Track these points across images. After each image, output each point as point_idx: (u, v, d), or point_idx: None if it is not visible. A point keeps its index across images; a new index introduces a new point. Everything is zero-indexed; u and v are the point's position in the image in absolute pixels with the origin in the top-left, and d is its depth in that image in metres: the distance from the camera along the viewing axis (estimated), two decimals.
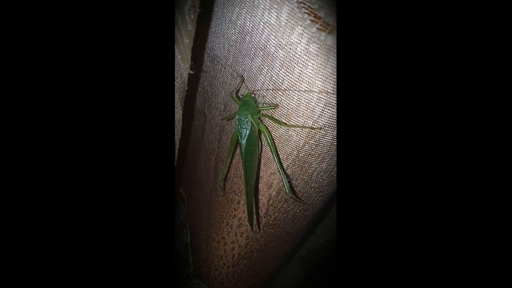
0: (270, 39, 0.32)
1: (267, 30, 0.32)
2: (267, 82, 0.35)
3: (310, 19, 0.28)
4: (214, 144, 0.51)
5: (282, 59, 0.32)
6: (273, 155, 0.37)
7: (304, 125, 0.35)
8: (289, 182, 0.41)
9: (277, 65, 0.33)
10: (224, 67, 0.42)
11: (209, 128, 0.52)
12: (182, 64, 0.32)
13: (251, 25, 0.34)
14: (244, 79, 0.37)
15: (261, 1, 0.32)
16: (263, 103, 0.37)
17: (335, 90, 0.31)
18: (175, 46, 0.29)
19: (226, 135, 0.48)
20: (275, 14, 0.31)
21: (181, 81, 0.34)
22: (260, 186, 0.44)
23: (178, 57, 0.31)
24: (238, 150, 0.43)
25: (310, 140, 0.36)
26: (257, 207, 0.46)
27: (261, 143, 0.40)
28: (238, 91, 0.40)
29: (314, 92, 0.32)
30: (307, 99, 0.33)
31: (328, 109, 0.33)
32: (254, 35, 0.34)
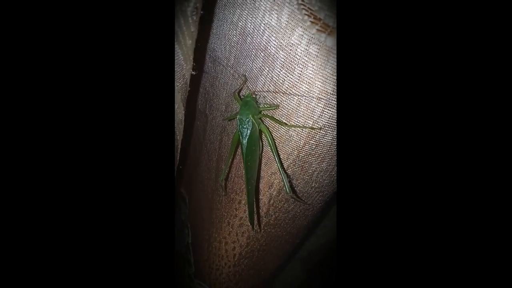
0: (271, 40, 0.33)
1: (267, 31, 0.33)
2: (268, 82, 0.36)
3: (310, 21, 0.29)
4: (216, 144, 0.52)
5: (282, 60, 0.33)
6: (273, 155, 0.38)
7: (305, 125, 0.35)
8: (290, 182, 0.41)
9: (278, 66, 0.34)
10: (226, 68, 0.42)
11: (210, 128, 0.52)
12: (185, 65, 0.32)
13: (252, 26, 0.34)
14: (247, 79, 0.37)
15: (262, 3, 0.32)
16: (264, 103, 0.38)
17: (335, 90, 0.31)
18: (178, 47, 0.30)
19: (227, 136, 0.48)
20: (276, 15, 0.31)
21: (183, 82, 0.34)
22: (261, 185, 0.45)
23: (180, 58, 0.31)
24: (239, 150, 0.44)
25: (311, 140, 0.36)
26: (258, 207, 0.47)
27: (262, 143, 0.41)
28: (240, 91, 0.40)
29: (314, 97, 0.32)
30: (307, 100, 0.33)
31: (328, 110, 0.33)
32: (255, 36, 0.34)
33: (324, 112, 0.33)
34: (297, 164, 0.39)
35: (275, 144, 0.39)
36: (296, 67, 0.32)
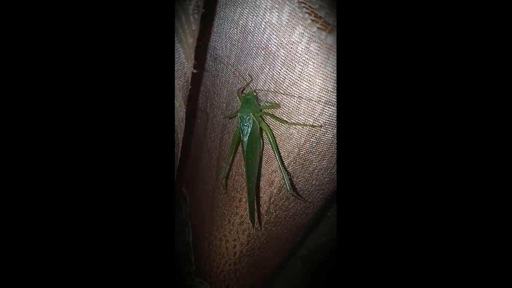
0: (272, 38, 0.33)
1: (268, 29, 0.33)
2: (269, 80, 0.36)
3: (311, 19, 0.29)
4: (216, 142, 0.52)
5: (283, 58, 0.33)
6: (274, 153, 0.38)
7: (305, 123, 0.36)
8: (290, 179, 0.41)
9: (279, 64, 0.34)
10: (226, 66, 0.42)
11: (211, 126, 0.53)
12: (186, 63, 0.33)
13: (253, 24, 0.34)
14: (252, 78, 0.38)
15: (262, 1, 0.32)
16: (265, 101, 0.38)
17: (336, 88, 0.31)
18: (179, 45, 0.30)
19: (228, 134, 0.48)
20: (277, 14, 0.31)
21: (184, 80, 0.34)
22: (262, 183, 0.45)
23: (182, 56, 0.31)
24: (240, 148, 0.44)
25: (311, 138, 0.37)
26: (259, 205, 0.47)
27: (263, 141, 0.41)
28: (244, 89, 0.40)
29: (315, 100, 0.32)
30: (307, 98, 0.33)
31: (329, 108, 0.33)
32: (255, 34, 0.35)
33: (325, 110, 0.34)
34: (298, 162, 0.40)
35: (276, 142, 0.39)
36: (297, 65, 0.32)
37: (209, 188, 0.57)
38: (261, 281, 0.65)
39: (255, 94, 0.38)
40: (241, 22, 0.36)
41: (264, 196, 0.46)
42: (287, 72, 0.33)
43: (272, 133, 0.39)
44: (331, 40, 0.29)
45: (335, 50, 0.29)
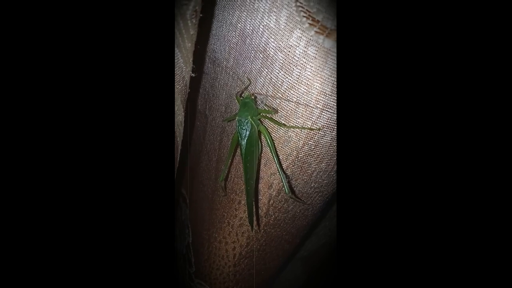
0: (270, 42, 0.33)
1: (266, 33, 0.33)
2: (267, 84, 0.36)
3: (309, 23, 0.29)
4: (215, 145, 0.52)
5: (281, 61, 0.33)
6: (272, 156, 0.38)
7: (303, 126, 0.36)
8: (289, 182, 0.41)
9: (277, 68, 0.34)
10: (225, 69, 0.42)
11: (210, 129, 0.53)
12: (184, 67, 0.33)
13: (251, 28, 0.35)
14: (251, 81, 0.38)
15: (260, 5, 0.32)
16: (264, 104, 0.38)
17: (333, 92, 0.31)
18: (178, 50, 0.30)
19: (227, 136, 0.48)
20: (274, 17, 0.31)
21: (183, 84, 0.34)
22: (261, 186, 0.45)
23: (180, 60, 0.31)
24: (238, 151, 0.44)
25: (309, 141, 0.37)
26: (257, 207, 0.47)
27: (261, 144, 0.41)
28: (242, 92, 0.40)
29: (313, 106, 0.32)
30: (306, 101, 0.33)
31: (327, 111, 0.33)
32: (254, 38, 0.35)
33: (323, 113, 0.34)
34: (296, 165, 0.40)
35: (274, 145, 0.39)
36: (295, 68, 0.32)
37: (209, 191, 0.57)
38: (261, 283, 0.65)
39: (253, 97, 0.38)
40: (239, 25, 0.36)
41: (263, 198, 0.46)
42: (285, 76, 0.33)
43: (271, 136, 0.39)
44: (329, 44, 0.29)
45: (333, 54, 0.29)
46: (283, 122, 0.37)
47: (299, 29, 0.30)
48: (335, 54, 0.29)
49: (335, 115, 0.34)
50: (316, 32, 0.29)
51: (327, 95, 0.32)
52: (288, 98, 0.35)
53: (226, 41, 0.40)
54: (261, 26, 0.33)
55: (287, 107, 0.36)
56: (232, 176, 0.49)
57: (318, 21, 0.29)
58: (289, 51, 0.32)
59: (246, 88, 0.38)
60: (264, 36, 0.33)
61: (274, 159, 0.38)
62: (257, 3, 0.33)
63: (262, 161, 0.43)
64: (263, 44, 0.34)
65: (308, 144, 0.37)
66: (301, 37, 0.30)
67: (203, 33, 0.43)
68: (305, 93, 0.33)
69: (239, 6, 0.35)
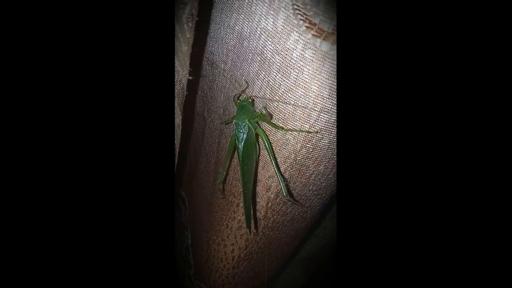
0: (267, 44, 0.33)
1: (264, 35, 0.33)
2: (265, 87, 0.36)
3: (306, 26, 0.29)
4: (214, 147, 0.52)
5: (278, 64, 0.33)
6: (270, 159, 0.38)
7: (301, 129, 0.35)
8: (287, 185, 0.41)
9: (274, 71, 0.34)
10: (223, 71, 0.42)
11: (208, 131, 0.53)
12: (181, 70, 0.33)
13: (248, 30, 0.34)
14: (248, 84, 0.38)
15: (258, 7, 0.32)
16: (262, 107, 0.38)
17: (331, 95, 0.31)
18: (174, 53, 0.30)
19: (225, 139, 0.48)
20: (272, 20, 0.31)
21: (180, 87, 0.34)
22: (259, 189, 0.45)
23: (176, 64, 0.31)
24: (236, 153, 0.44)
25: (307, 143, 0.36)
26: (255, 210, 0.47)
27: (259, 147, 0.41)
28: (240, 95, 0.40)
29: (311, 108, 0.32)
30: (303, 104, 0.33)
31: (324, 114, 0.33)
32: (251, 40, 0.35)
33: (321, 116, 0.33)
34: (295, 168, 0.40)
35: (272, 148, 0.39)
36: (292, 71, 0.32)
37: (207, 193, 0.57)
38: (260, 285, 0.65)
39: (250, 100, 0.37)
40: (237, 27, 0.36)
41: (261, 201, 0.46)
42: (282, 79, 0.33)
43: (268, 139, 0.39)
44: (326, 47, 0.29)
45: (330, 57, 0.29)
46: (281, 125, 0.37)
47: (296, 32, 0.30)
48: (332, 57, 0.29)
49: (333, 118, 0.34)
50: (313, 35, 0.29)
51: (325, 98, 0.32)
52: (286, 101, 0.34)
53: (224, 43, 0.39)
54: (258, 28, 0.33)
55: (284, 110, 0.36)
56: (230, 178, 0.48)
57: (315, 24, 0.29)
58: (286, 54, 0.31)
59: (243, 91, 0.38)
60: (262, 38, 0.33)
61: (272, 162, 0.38)
62: (254, 6, 0.33)
63: (260, 164, 0.43)
64: (261, 47, 0.34)
65: (306, 147, 0.37)
66: (298, 40, 0.30)
67: (200, 35, 0.42)
68: (302, 96, 0.33)
69: (236, 8, 0.35)
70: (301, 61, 0.31)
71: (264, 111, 0.37)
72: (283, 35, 0.31)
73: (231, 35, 0.37)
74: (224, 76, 0.43)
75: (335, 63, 0.29)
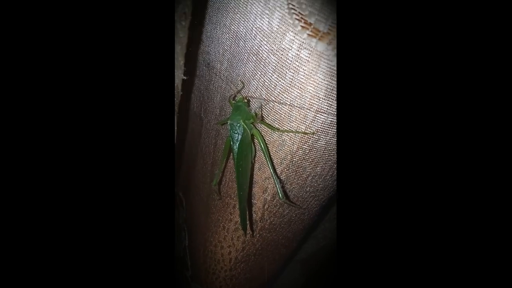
0: (262, 44, 0.32)
1: (259, 35, 0.32)
2: (260, 87, 0.35)
3: (301, 25, 0.28)
4: (210, 148, 0.51)
5: (274, 64, 0.32)
6: (266, 160, 0.37)
7: (297, 130, 0.35)
8: (284, 186, 0.41)
9: (270, 71, 0.33)
10: (219, 71, 0.42)
11: (205, 132, 0.52)
12: (175, 70, 0.32)
13: (244, 30, 0.34)
14: (244, 85, 0.37)
15: (253, 7, 0.32)
16: (258, 107, 0.37)
17: (327, 95, 0.31)
18: None
19: (221, 139, 0.48)
20: (267, 20, 0.31)
21: (174, 87, 0.34)
22: (255, 190, 0.44)
23: None
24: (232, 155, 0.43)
25: (304, 145, 0.36)
26: (251, 212, 0.46)
27: (255, 148, 0.40)
28: (235, 96, 0.40)
29: (308, 108, 0.32)
30: (299, 104, 0.33)
31: (321, 115, 0.33)
32: (247, 40, 0.34)
33: (317, 117, 0.33)
34: (291, 169, 0.39)
35: (268, 149, 0.38)
36: (288, 72, 0.31)
37: (204, 194, 0.56)
38: (258, 287, 0.65)
39: (246, 100, 0.37)
40: (233, 27, 0.36)
41: (258, 203, 0.45)
42: (278, 79, 0.33)
43: (264, 140, 0.38)
44: (322, 47, 0.28)
45: (326, 57, 0.29)
46: (277, 126, 0.36)
47: (292, 31, 0.29)
48: (328, 58, 0.29)
49: (329, 119, 0.33)
50: (308, 35, 0.29)
51: (321, 99, 0.31)
52: (282, 101, 0.34)
53: (220, 43, 0.39)
54: (254, 28, 0.32)
55: (280, 111, 0.35)
56: (226, 180, 0.48)
57: (310, 24, 0.28)
58: (282, 54, 0.31)
59: (239, 91, 0.37)
60: (257, 38, 0.33)
61: (267, 163, 0.37)
62: (250, 5, 0.32)
63: (256, 165, 0.42)
64: (256, 47, 0.33)
65: (302, 148, 0.36)
66: (293, 40, 0.29)
67: (196, 35, 0.42)
68: (298, 97, 0.32)
69: (232, 8, 0.35)
70: (297, 61, 0.30)
71: (258, 112, 0.36)
72: (278, 35, 0.30)
73: (227, 35, 0.37)
74: (220, 76, 0.42)
75: (331, 63, 0.29)
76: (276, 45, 0.31)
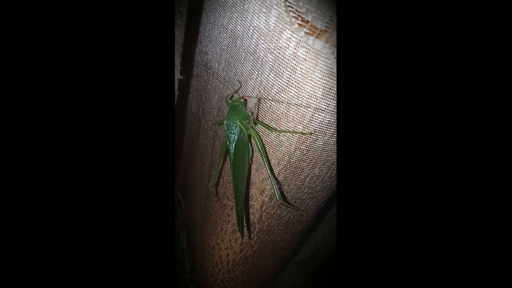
0: (260, 43, 0.32)
1: (256, 34, 0.32)
2: (257, 86, 0.35)
3: (298, 23, 0.28)
4: (208, 149, 0.51)
5: (271, 63, 0.32)
6: (263, 161, 0.37)
7: (295, 130, 0.34)
8: (282, 188, 0.40)
9: (267, 70, 0.33)
10: (217, 71, 0.41)
11: (203, 132, 0.52)
12: None
13: (241, 29, 0.34)
14: (241, 84, 0.37)
15: (250, 6, 0.31)
16: (254, 105, 0.37)
17: (325, 95, 0.30)
18: None
19: (219, 140, 0.47)
20: (264, 18, 0.30)
21: None
22: (253, 191, 0.44)
23: None
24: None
25: (301, 145, 0.35)
26: (248, 214, 0.46)
27: (252, 149, 0.40)
28: (232, 96, 0.39)
29: (308, 106, 0.31)
30: (296, 104, 0.32)
31: (318, 114, 0.32)
32: (244, 39, 0.34)
33: (314, 117, 0.32)
34: (289, 170, 0.39)
35: (265, 150, 0.38)
36: (285, 71, 0.31)
37: (201, 195, 0.56)
38: None
39: (243, 100, 0.36)
40: (230, 26, 0.35)
41: (255, 204, 0.44)
42: (275, 78, 0.32)
43: (261, 141, 0.38)
44: (319, 45, 0.28)
45: (323, 55, 0.28)
46: (274, 126, 0.36)
47: (289, 30, 0.29)
48: (326, 56, 0.28)
49: (327, 119, 0.32)
50: (306, 33, 0.28)
51: (318, 98, 0.31)
52: (280, 99, 0.33)
53: (218, 43, 0.39)
54: (251, 27, 0.32)
55: (278, 111, 0.35)
56: (224, 181, 0.47)
57: (307, 22, 0.28)
58: (279, 53, 0.31)
59: (236, 91, 0.37)
60: (254, 37, 0.32)
61: (264, 164, 0.37)
62: (247, 4, 0.32)
63: (254, 166, 0.41)
64: (253, 46, 0.33)
65: (300, 149, 0.36)
66: (290, 38, 0.29)
67: (193, 35, 0.42)
68: (295, 96, 0.32)
69: (230, 7, 0.34)
70: (294, 60, 0.30)
71: (254, 110, 0.36)
72: (275, 33, 0.30)
73: (225, 34, 0.37)
74: (218, 76, 0.42)
75: (329, 62, 0.28)
76: (273, 44, 0.31)
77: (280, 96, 0.33)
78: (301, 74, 0.30)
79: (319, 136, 0.34)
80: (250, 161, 0.40)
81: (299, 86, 0.31)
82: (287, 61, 0.30)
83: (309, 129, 0.34)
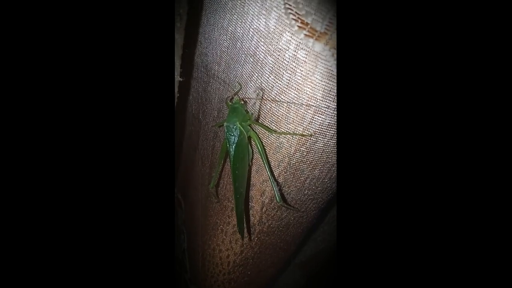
0: (260, 45, 0.32)
1: (256, 36, 0.32)
2: (258, 88, 0.35)
3: (298, 25, 0.28)
4: (208, 150, 0.51)
5: (271, 65, 0.32)
6: (263, 163, 0.37)
7: (295, 132, 0.34)
8: (282, 189, 0.40)
9: (267, 72, 0.33)
10: (217, 73, 0.41)
11: (203, 134, 0.52)
12: None
13: (241, 31, 0.34)
14: (241, 86, 0.37)
15: (250, 7, 0.31)
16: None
17: (324, 97, 0.30)
18: None
19: (219, 142, 0.47)
20: (264, 20, 0.30)
21: None
22: (253, 193, 0.44)
23: None
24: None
25: (301, 147, 0.35)
26: (249, 215, 0.46)
27: (252, 150, 0.40)
28: (232, 98, 0.39)
29: (309, 104, 0.31)
30: (296, 106, 0.32)
31: (318, 116, 0.32)
32: (244, 41, 0.34)
33: (314, 119, 0.32)
34: (289, 172, 0.39)
35: (265, 151, 0.38)
36: (285, 73, 0.31)
37: (202, 196, 0.56)
38: None
39: (243, 102, 0.36)
40: (230, 28, 0.35)
41: (255, 206, 0.44)
42: (275, 80, 0.32)
43: (262, 142, 0.38)
44: (319, 47, 0.28)
45: (323, 57, 0.28)
46: (274, 128, 0.36)
47: (289, 32, 0.29)
48: (325, 58, 0.28)
49: (327, 120, 0.32)
50: (305, 35, 0.28)
51: (318, 100, 0.31)
52: (280, 99, 0.33)
53: (218, 45, 0.39)
54: (251, 29, 0.32)
55: (277, 112, 0.35)
56: (224, 182, 0.47)
57: (307, 24, 0.28)
58: (279, 55, 0.31)
59: (236, 93, 0.37)
60: (254, 39, 0.32)
61: (264, 166, 0.37)
62: (247, 6, 0.32)
63: (254, 168, 0.41)
64: (253, 48, 0.33)
65: (300, 151, 0.36)
66: (290, 40, 0.29)
67: (193, 37, 0.42)
68: (295, 98, 0.32)
69: (229, 9, 0.34)
70: (294, 62, 0.30)
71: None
72: (275, 36, 0.30)
73: (225, 36, 0.37)
74: (218, 78, 0.42)
75: (328, 64, 0.28)
76: (273, 46, 0.31)
77: (280, 98, 0.33)
78: (301, 76, 0.30)
79: (319, 138, 0.34)
80: (250, 163, 0.40)
81: (299, 88, 0.31)
82: (287, 63, 0.30)
83: (309, 131, 0.34)
